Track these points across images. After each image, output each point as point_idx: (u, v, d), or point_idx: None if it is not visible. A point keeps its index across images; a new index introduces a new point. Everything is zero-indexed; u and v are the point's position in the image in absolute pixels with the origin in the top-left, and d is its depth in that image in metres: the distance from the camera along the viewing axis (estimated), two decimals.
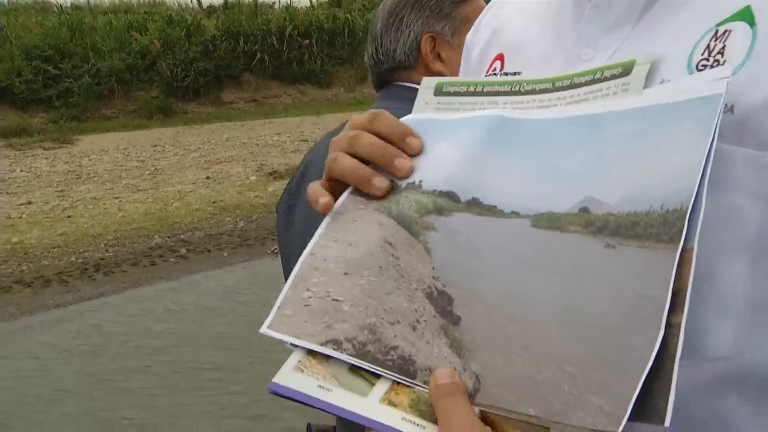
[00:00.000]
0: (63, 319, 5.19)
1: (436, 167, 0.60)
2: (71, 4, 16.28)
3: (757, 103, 0.53)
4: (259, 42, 14.39)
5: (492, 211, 0.57)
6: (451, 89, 0.66)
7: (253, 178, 8.74)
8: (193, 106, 13.58)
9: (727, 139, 0.53)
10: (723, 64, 0.55)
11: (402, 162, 0.60)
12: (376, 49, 1.45)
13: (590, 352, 0.47)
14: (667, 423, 0.41)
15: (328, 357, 0.54)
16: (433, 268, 0.56)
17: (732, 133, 0.53)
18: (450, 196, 0.59)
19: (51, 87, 12.51)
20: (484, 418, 0.49)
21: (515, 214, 0.56)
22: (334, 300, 0.57)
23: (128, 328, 5.00)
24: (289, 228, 1.44)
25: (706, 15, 0.58)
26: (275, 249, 3.67)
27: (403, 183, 0.60)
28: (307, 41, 14.85)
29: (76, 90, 12.61)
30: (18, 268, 6.11)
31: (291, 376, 0.54)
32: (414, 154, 0.61)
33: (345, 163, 0.60)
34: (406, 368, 0.52)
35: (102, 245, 6.61)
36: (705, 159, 0.49)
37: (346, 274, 0.58)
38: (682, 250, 0.47)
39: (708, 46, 0.56)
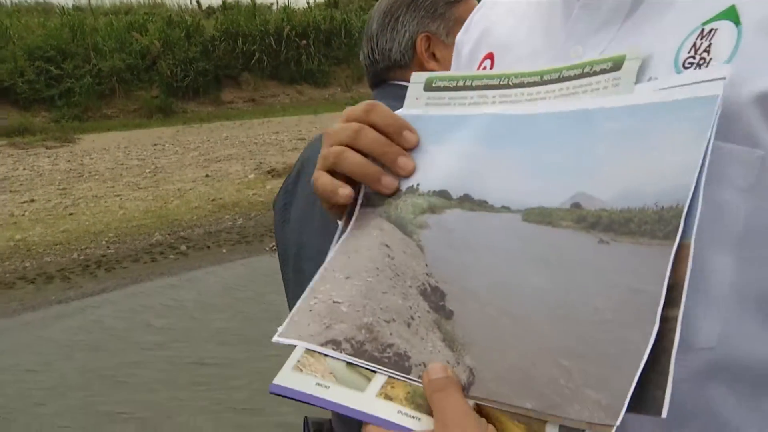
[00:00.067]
0: (65, 315, 5.18)
1: (431, 168, 0.61)
2: (73, 5, 16.29)
3: (743, 100, 0.54)
4: (257, 42, 14.36)
5: (483, 206, 0.57)
6: (441, 84, 0.66)
7: (251, 176, 8.72)
8: (193, 106, 13.55)
9: (714, 135, 0.54)
10: (709, 62, 0.55)
11: (405, 161, 0.61)
12: (371, 48, 1.46)
13: (585, 346, 0.47)
14: (664, 414, 0.42)
15: (325, 354, 0.55)
16: (426, 265, 0.57)
17: (718, 129, 0.53)
18: (443, 194, 0.59)
19: (53, 87, 12.48)
20: (480, 410, 0.49)
21: (506, 208, 0.56)
22: (334, 302, 0.58)
23: (129, 323, 4.99)
24: (286, 225, 1.46)
25: (691, 14, 0.58)
26: (273, 246, 3.67)
27: (404, 187, 0.61)
28: (305, 42, 14.81)
29: (78, 90, 12.59)
30: (21, 265, 6.10)
31: (290, 376, 0.55)
32: (410, 147, 0.62)
33: (353, 159, 0.60)
34: (401, 364, 0.52)
35: (103, 242, 6.60)
36: (702, 158, 0.49)
37: (347, 278, 0.59)
38: (679, 246, 0.47)
39: (694, 45, 0.57)
